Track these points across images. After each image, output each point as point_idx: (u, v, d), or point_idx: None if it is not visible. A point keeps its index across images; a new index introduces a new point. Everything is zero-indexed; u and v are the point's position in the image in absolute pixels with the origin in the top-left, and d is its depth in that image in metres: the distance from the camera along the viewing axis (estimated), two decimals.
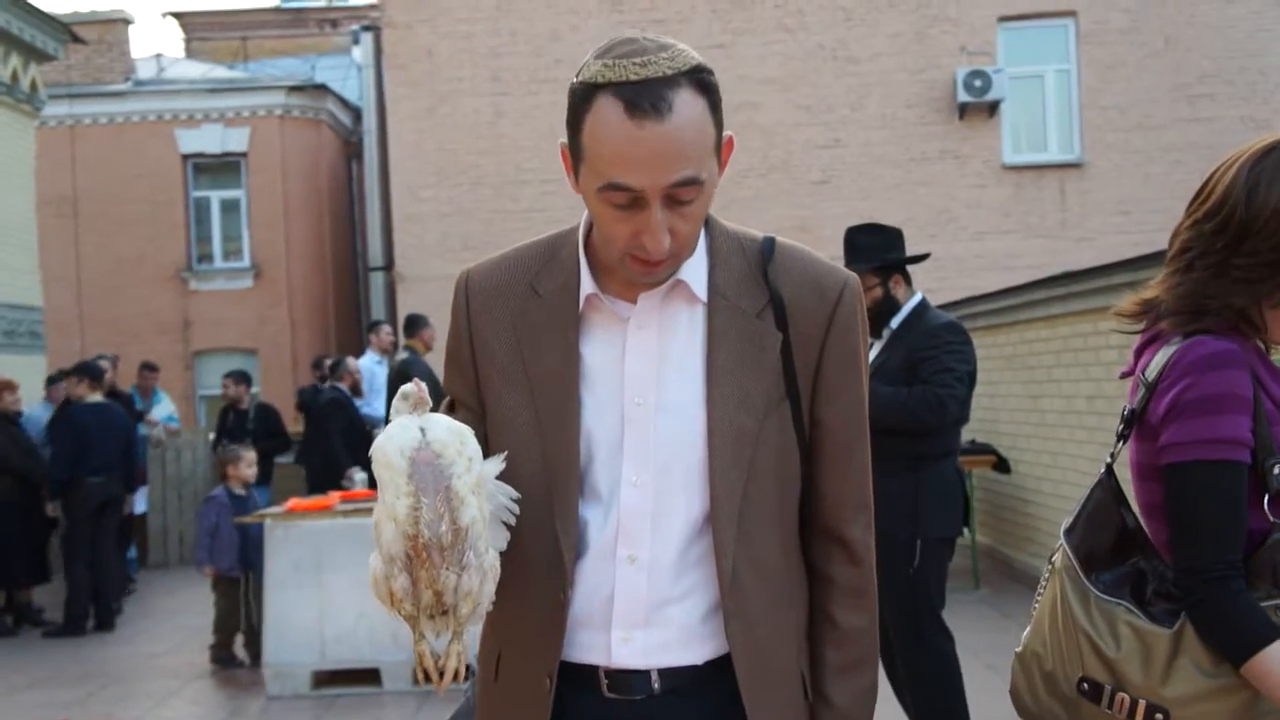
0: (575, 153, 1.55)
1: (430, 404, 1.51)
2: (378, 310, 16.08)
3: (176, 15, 23.07)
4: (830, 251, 1.78)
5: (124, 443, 9.09)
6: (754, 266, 1.65)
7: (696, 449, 1.60)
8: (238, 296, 16.92)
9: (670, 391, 1.61)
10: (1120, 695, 1.83)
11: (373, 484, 6.18)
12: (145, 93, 17.22)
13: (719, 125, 1.52)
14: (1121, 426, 1.97)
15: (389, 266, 15.37)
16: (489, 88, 14.53)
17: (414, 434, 1.45)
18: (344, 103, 18.20)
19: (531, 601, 1.63)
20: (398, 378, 8.32)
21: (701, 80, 1.49)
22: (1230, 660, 1.77)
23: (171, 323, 16.87)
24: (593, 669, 1.63)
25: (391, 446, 1.44)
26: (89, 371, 9.17)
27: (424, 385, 1.52)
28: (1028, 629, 2.01)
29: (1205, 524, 1.80)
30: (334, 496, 7.18)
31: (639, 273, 1.56)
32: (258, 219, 16.98)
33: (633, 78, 1.46)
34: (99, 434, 8.76)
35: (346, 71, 19.27)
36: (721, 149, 1.55)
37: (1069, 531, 1.97)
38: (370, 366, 10.81)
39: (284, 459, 11.34)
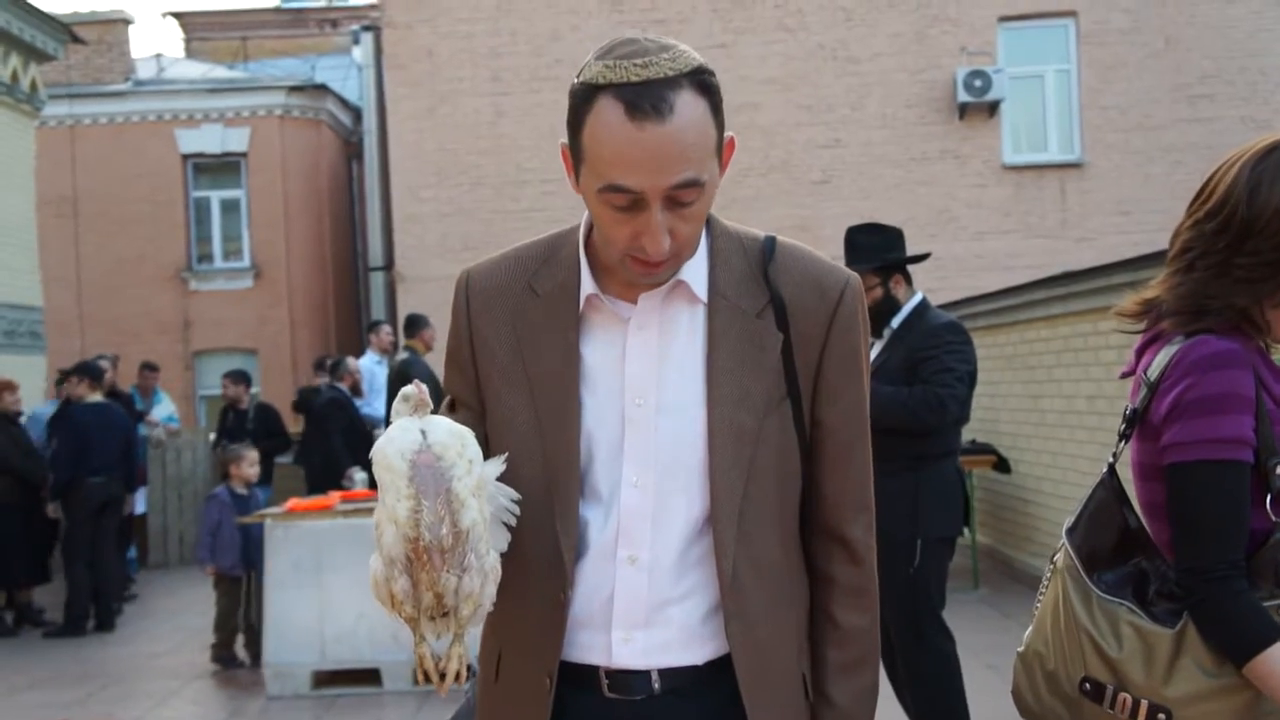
0: (576, 153, 1.54)
1: (431, 406, 1.51)
2: (378, 310, 16.08)
3: (176, 15, 23.09)
4: (830, 251, 1.78)
5: (124, 443, 9.09)
6: (755, 266, 1.65)
7: (697, 449, 1.60)
8: (238, 296, 16.92)
9: (671, 392, 1.61)
10: (1122, 695, 1.83)
11: (373, 484, 6.15)
12: (145, 93, 17.22)
13: (720, 126, 1.52)
14: (1123, 426, 1.97)
15: (389, 266, 15.37)
16: (489, 88, 14.53)
17: (415, 436, 1.45)
18: (344, 103, 18.21)
19: (532, 602, 1.62)
20: (398, 378, 8.32)
21: (703, 81, 1.49)
22: (1232, 660, 1.77)
23: (171, 323, 16.88)
24: (593, 669, 1.63)
25: (392, 449, 1.44)
26: (89, 371, 9.17)
27: (424, 387, 1.51)
28: (1030, 629, 2.01)
29: (1208, 524, 1.80)
30: (334, 496, 7.18)
31: (639, 274, 1.56)
32: (258, 219, 16.98)
33: (634, 79, 1.45)
34: (99, 434, 8.76)
35: (346, 71, 19.27)
36: (723, 150, 1.54)
37: (1071, 531, 1.97)
38: (370, 366, 10.81)
39: (284, 459, 11.34)
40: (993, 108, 14.19)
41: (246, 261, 17.11)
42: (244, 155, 17.01)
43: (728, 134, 1.55)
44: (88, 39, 15.06)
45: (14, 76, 11.95)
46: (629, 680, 1.62)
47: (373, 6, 18.29)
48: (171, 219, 16.95)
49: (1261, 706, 1.79)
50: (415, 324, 9.40)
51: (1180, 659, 1.80)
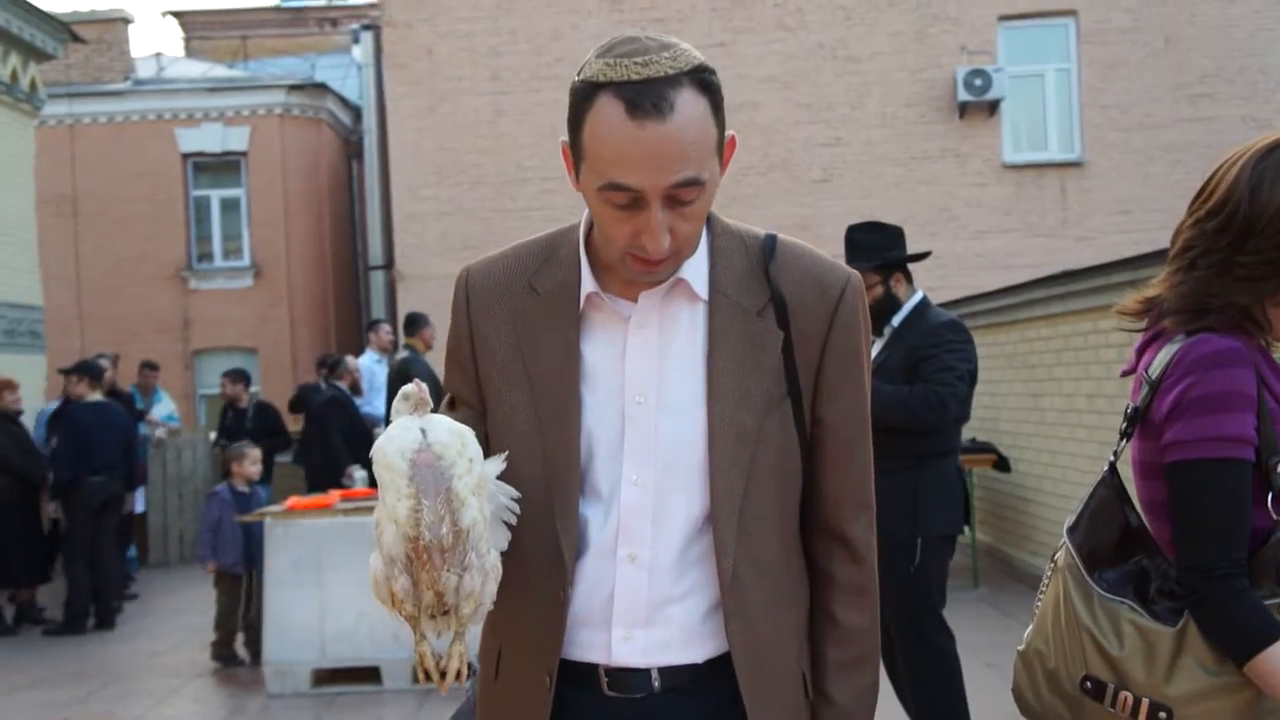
0: (576, 151, 1.54)
1: (431, 405, 1.51)
2: (378, 309, 16.07)
3: (176, 14, 23.08)
4: (831, 250, 1.77)
5: (124, 442, 9.09)
6: (755, 264, 1.65)
7: (697, 448, 1.60)
8: (238, 295, 16.92)
9: (671, 390, 1.61)
10: (1123, 694, 1.83)
11: (373, 483, 6.15)
12: (145, 92, 17.22)
13: (721, 125, 1.52)
14: (1124, 424, 1.97)
15: (389, 265, 15.37)
16: (489, 86, 14.53)
17: (415, 435, 1.44)
18: (344, 102, 18.20)
19: (532, 600, 1.62)
20: (397, 377, 8.32)
21: (703, 80, 1.49)
22: (1233, 659, 1.77)
23: (171, 322, 16.88)
24: (593, 667, 1.62)
25: (392, 448, 1.44)
26: (89, 370, 9.17)
27: (425, 386, 1.51)
28: (1030, 627, 2.01)
29: (1209, 522, 1.80)
30: (334, 495, 7.18)
31: (639, 272, 1.56)
32: (258, 218, 16.98)
33: (634, 77, 1.45)
34: (99, 433, 8.76)
35: (346, 70, 19.27)
36: (723, 149, 1.54)
37: (1072, 530, 1.97)
38: (370, 365, 10.81)
39: (283, 458, 11.34)
40: (993, 107, 14.19)
41: (246, 260, 17.10)
42: (244, 154, 17.01)
43: (728, 132, 1.54)
44: (87, 38, 15.05)
45: (13, 75, 11.95)
46: (629, 678, 1.62)
47: (372, 5, 18.28)
48: (171, 218, 16.94)
49: (1262, 705, 1.79)
50: (415, 323, 9.40)
51: (1181, 657, 1.80)
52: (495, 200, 14.42)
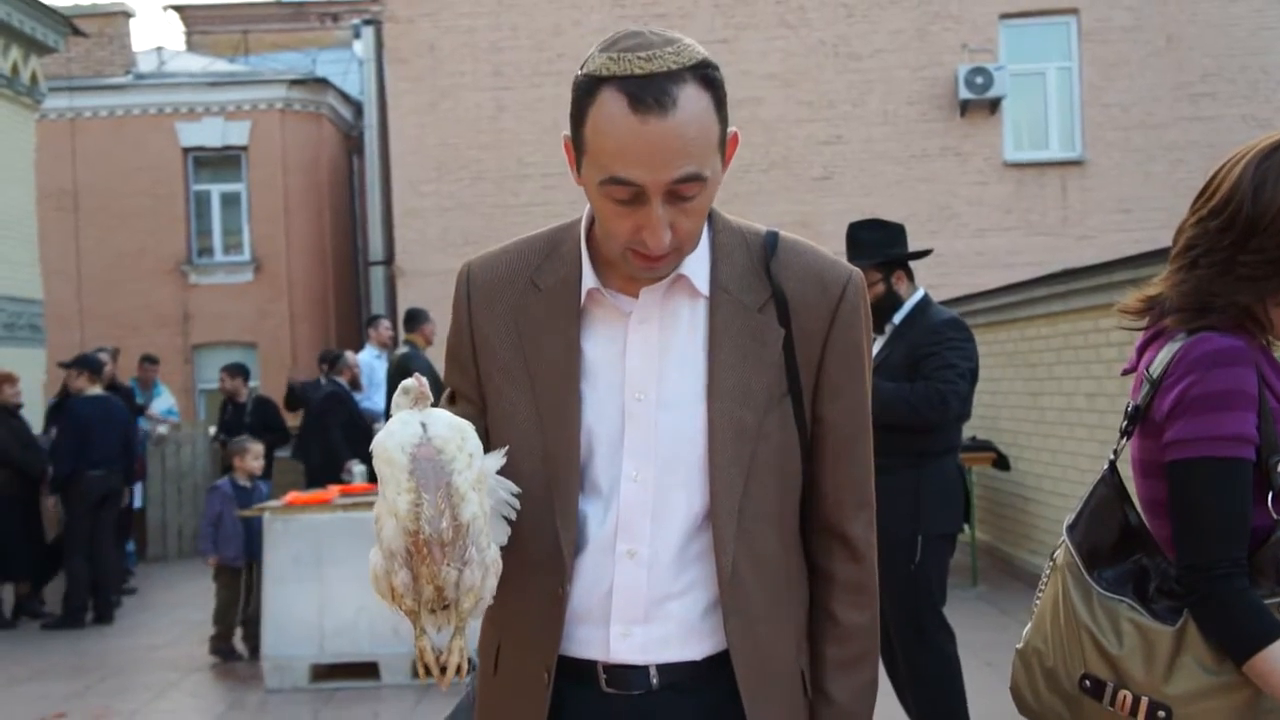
0: (578, 145, 1.54)
1: (431, 399, 1.50)
2: (378, 305, 16.07)
3: (177, 8, 23.06)
4: (831, 247, 1.77)
5: (124, 436, 9.09)
6: (757, 261, 1.64)
7: (697, 444, 1.59)
8: (238, 290, 16.92)
9: (671, 386, 1.61)
10: (1123, 693, 1.83)
11: (372, 478, 6.11)
12: (146, 86, 17.21)
13: (723, 121, 1.51)
14: (1125, 423, 1.96)
15: (389, 261, 15.37)
16: (490, 82, 14.52)
17: (415, 430, 1.44)
18: (345, 97, 18.19)
19: (531, 596, 1.62)
20: (397, 372, 8.32)
21: (706, 76, 1.48)
22: (1233, 658, 1.76)
23: (171, 316, 16.88)
24: (591, 664, 1.62)
25: (392, 442, 1.43)
26: (88, 364, 9.17)
27: (425, 380, 1.51)
28: (1029, 625, 2.01)
29: (1209, 521, 1.79)
30: (333, 490, 7.18)
31: (640, 268, 1.55)
32: (258, 213, 16.97)
33: (637, 72, 1.45)
34: (100, 427, 8.76)
35: (347, 65, 19.26)
36: (726, 145, 1.54)
37: (1071, 528, 1.97)
38: (369, 361, 10.81)
39: (283, 453, 11.34)
40: (994, 105, 14.19)
41: (246, 255, 17.10)
42: (244, 149, 17.01)
43: (731, 129, 1.54)
44: (88, 32, 15.05)
45: (14, 69, 11.94)
46: (627, 675, 1.61)
47: (374, 0, 18.28)
48: (172, 212, 16.94)
49: (1262, 704, 1.79)
50: (415, 319, 9.39)
51: (1181, 656, 1.80)
52: (496, 196, 14.42)
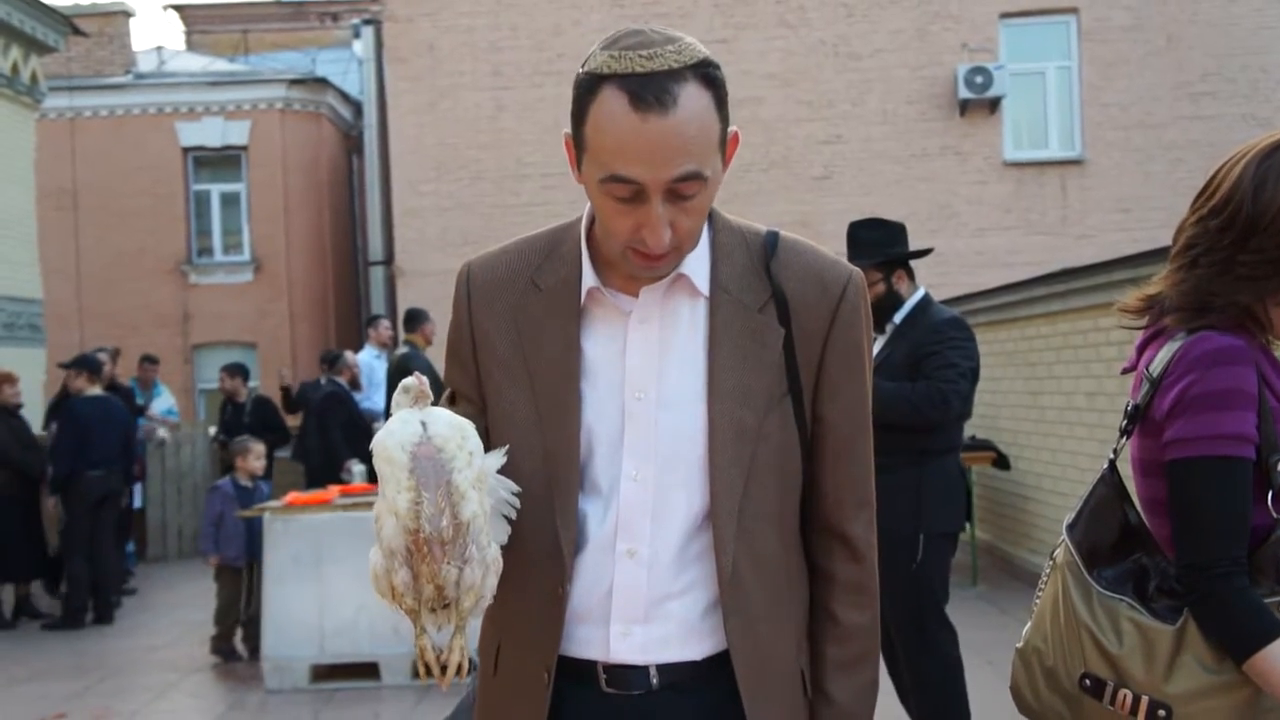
0: (579, 143, 1.53)
1: (431, 398, 1.51)
2: (377, 305, 16.07)
3: (177, 8, 23.06)
4: (831, 247, 1.77)
5: (124, 436, 9.09)
6: (757, 261, 1.64)
7: (697, 444, 1.59)
8: (237, 290, 16.92)
9: (671, 386, 1.61)
10: (1123, 692, 1.83)
11: (371, 477, 6.10)
12: (146, 85, 17.22)
13: (724, 120, 1.51)
14: (1125, 422, 1.96)
15: (389, 261, 15.37)
16: (490, 82, 14.52)
17: (415, 428, 1.44)
18: (345, 96, 18.19)
19: (530, 595, 1.62)
20: (397, 372, 8.32)
21: (707, 74, 1.48)
22: (1233, 657, 1.76)
23: (171, 316, 16.88)
24: (591, 664, 1.62)
25: (392, 441, 1.43)
26: (87, 365, 9.17)
27: (425, 379, 1.51)
28: (1029, 624, 2.01)
29: (1209, 520, 1.79)
30: (333, 490, 7.18)
31: (640, 267, 1.55)
32: (258, 212, 16.97)
33: (638, 70, 1.45)
34: (99, 427, 8.75)
35: (347, 65, 19.26)
36: (726, 144, 1.53)
37: (1071, 527, 1.97)
38: (369, 361, 10.81)
39: (283, 453, 11.33)
40: (994, 104, 14.19)
41: (246, 255, 17.11)
42: (244, 149, 17.01)
43: (731, 128, 1.54)
44: (88, 31, 15.05)
45: (14, 68, 11.94)
46: (627, 675, 1.61)
47: (373, 0, 18.28)
48: (171, 212, 16.94)
49: (1261, 703, 1.79)
50: (415, 318, 9.38)
51: (1181, 655, 1.80)
52: (496, 196, 14.42)
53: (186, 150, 17.03)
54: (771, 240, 1.66)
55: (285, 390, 11.55)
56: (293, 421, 11.46)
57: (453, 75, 14.53)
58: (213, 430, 12.18)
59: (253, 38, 21.23)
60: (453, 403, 1.72)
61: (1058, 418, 8.08)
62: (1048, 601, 1.97)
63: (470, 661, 1.55)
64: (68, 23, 12.79)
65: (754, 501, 1.60)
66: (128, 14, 18.09)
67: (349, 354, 10.84)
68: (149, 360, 12.12)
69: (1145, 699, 1.81)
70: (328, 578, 6.46)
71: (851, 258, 4.31)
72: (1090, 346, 7.42)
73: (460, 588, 1.45)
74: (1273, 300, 1.87)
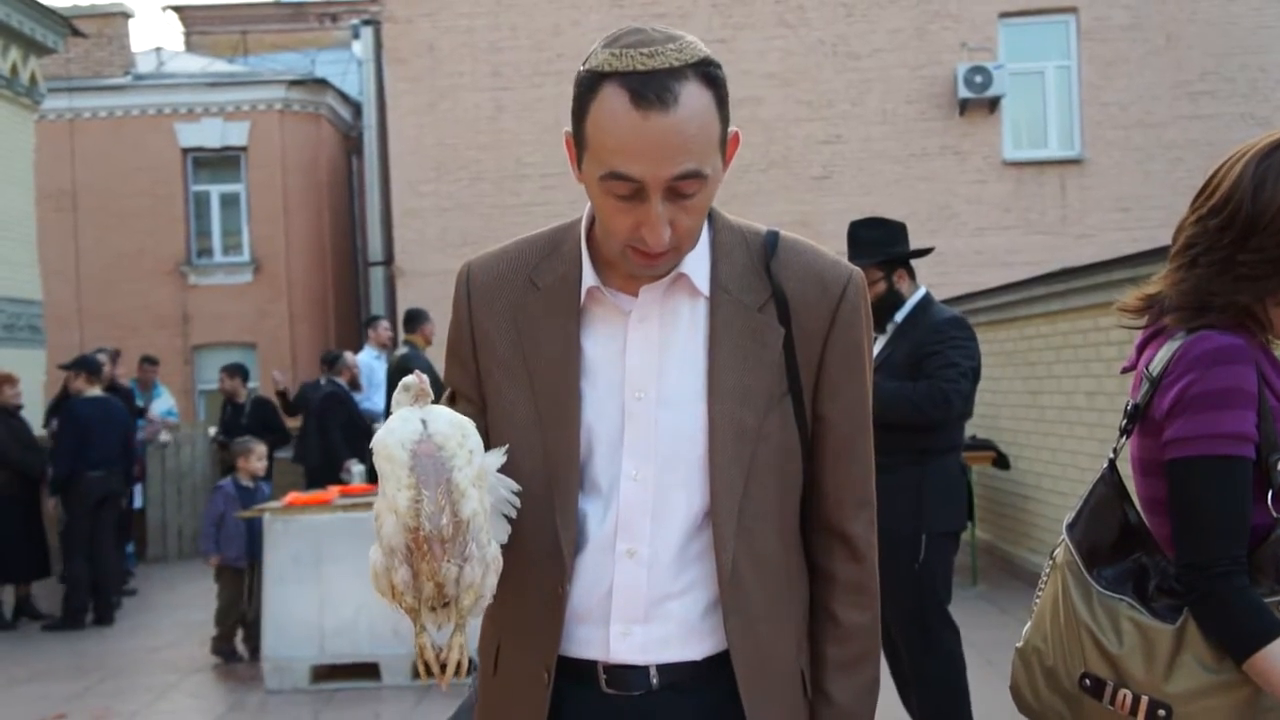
0: (579, 141, 1.53)
1: (431, 396, 1.51)
2: (377, 305, 16.07)
3: (176, 9, 23.05)
4: (831, 247, 1.77)
5: (123, 437, 9.09)
6: (757, 260, 1.64)
7: (697, 443, 1.59)
8: (237, 291, 16.91)
9: (671, 385, 1.61)
10: (1123, 691, 1.83)
11: (371, 477, 6.10)
12: (145, 86, 17.21)
13: (725, 120, 1.51)
14: (1124, 421, 1.96)
15: (389, 261, 15.36)
16: (489, 82, 14.52)
17: (415, 426, 1.44)
18: (344, 97, 18.19)
19: (530, 595, 1.62)
20: (397, 373, 8.32)
21: (708, 73, 1.48)
22: (1233, 656, 1.76)
23: (171, 317, 16.88)
24: (591, 664, 1.62)
25: (393, 439, 1.43)
26: (86, 366, 9.17)
27: (425, 378, 1.51)
28: (1028, 624, 2.01)
29: (1209, 519, 1.79)
30: (333, 491, 7.17)
31: (639, 265, 1.55)
32: (257, 213, 16.97)
33: (639, 68, 1.45)
34: (99, 428, 8.76)
35: (346, 66, 19.26)
36: (727, 144, 1.54)
37: (1071, 527, 1.97)
38: (369, 362, 10.81)
39: (283, 454, 11.33)
40: (993, 104, 14.19)
41: (246, 256, 17.10)
42: (244, 149, 17.00)
43: (732, 128, 1.54)
44: (87, 32, 15.04)
45: (13, 70, 11.94)
46: (627, 676, 1.61)
47: (373, 1, 18.28)
48: (171, 213, 16.94)
49: (1261, 703, 1.79)
50: (415, 319, 9.38)
51: (1181, 655, 1.80)
52: (495, 196, 14.42)
53: (186, 151, 17.03)
54: (772, 240, 1.66)
55: (282, 395, 11.55)
56: (292, 423, 11.45)
57: (452, 76, 14.53)
58: (213, 431, 12.18)
59: (252, 39, 21.22)
60: (453, 402, 1.72)
61: (1057, 417, 8.08)
62: (1047, 601, 1.97)
63: (470, 661, 1.55)
64: (67, 24, 12.78)
65: (754, 501, 1.60)
66: (127, 15, 18.07)
67: (349, 354, 10.84)
68: (149, 361, 12.11)
69: (1145, 699, 1.81)
70: (328, 578, 6.46)
71: (852, 257, 4.31)
72: (1090, 346, 7.42)
73: (460, 586, 1.45)
74: (1272, 299, 1.86)
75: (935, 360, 4.28)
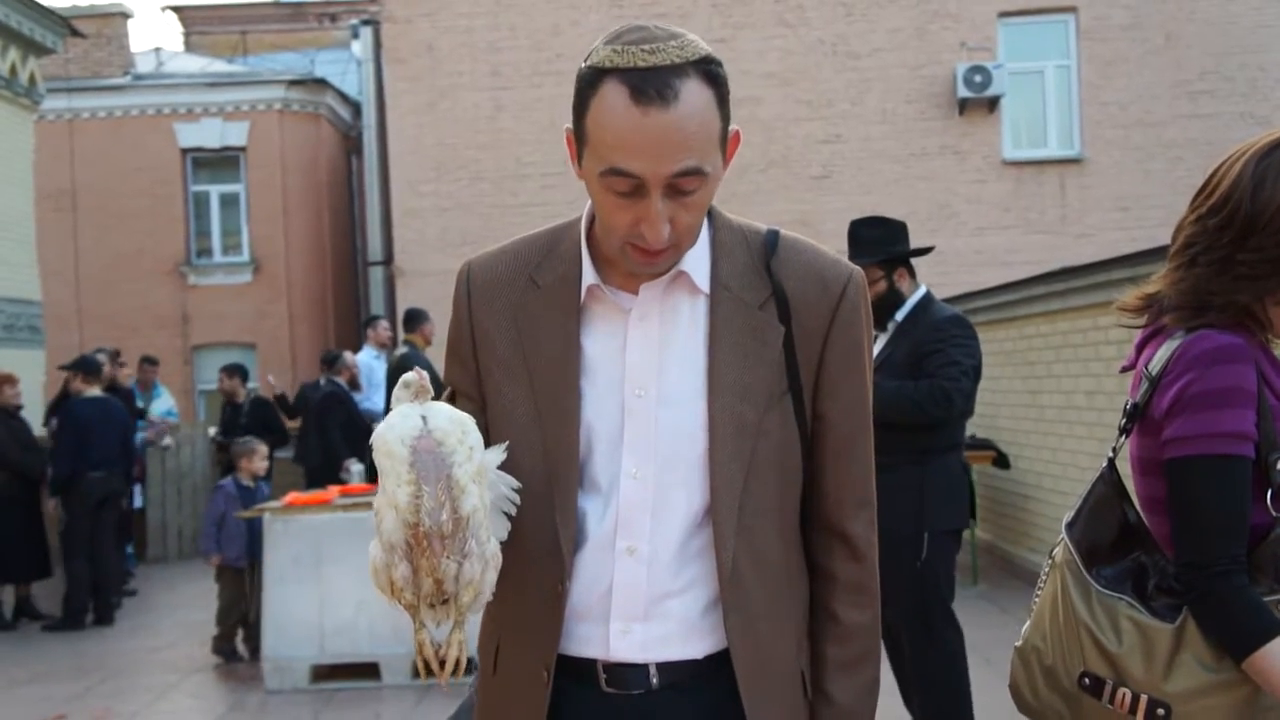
0: (580, 137, 1.54)
1: (431, 393, 1.51)
2: (377, 305, 16.06)
3: (176, 9, 23.05)
4: (831, 246, 1.77)
5: (123, 437, 9.09)
6: (757, 259, 1.64)
7: (697, 441, 1.59)
8: (237, 291, 16.91)
9: (671, 383, 1.61)
10: (1122, 690, 1.83)
11: (371, 477, 6.09)
12: (144, 87, 17.20)
13: (725, 117, 1.51)
14: (1124, 420, 1.96)
15: (388, 261, 15.36)
16: (489, 82, 14.52)
17: (415, 422, 1.44)
18: (343, 97, 18.19)
19: (530, 593, 1.62)
20: (396, 372, 8.31)
21: (709, 71, 1.49)
22: (1232, 655, 1.77)
23: (170, 317, 16.87)
24: (591, 662, 1.62)
25: (393, 435, 1.44)
26: (86, 366, 9.17)
27: (425, 374, 1.51)
28: (1028, 623, 2.01)
29: (1208, 518, 1.79)
30: (333, 491, 7.17)
31: (639, 263, 1.55)
32: (257, 213, 16.97)
33: (640, 64, 1.45)
34: (99, 428, 8.75)
35: (346, 66, 19.25)
36: (727, 142, 1.54)
37: (1070, 526, 1.97)
38: (368, 361, 10.80)
39: (283, 454, 11.32)
40: (993, 103, 14.19)
41: (245, 256, 17.10)
42: (243, 149, 17.00)
43: (732, 127, 1.54)
44: (87, 32, 15.03)
45: (13, 70, 11.94)
46: (626, 674, 1.61)
47: (372, 0, 18.27)
48: (170, 213, 16.94)
49: (1260, 702, 1.79)
50: (415, 319, 9.38)
51: (1180, 654, 1.80)
52: (495, 196, 14.41)
53: (185, 151, 17.03)
54: (772, 238, 1.66)
55: (279, 398, 11.55)
56: (292, 424, 11.45)
57: (452, 75, 14.53)
58: (212, 431, 12.18)
59: (251, 39, 21.22)
60: (453, 401, 1.71)
61: (1057, 416, 8.08)
62: (1047, 600, 1.97)
63: (470, 661, 1.55)
64: (66, 24, 12.78)
65: (754, 498, 1.59)
66: (126, 15, 18.07)
67: (348, 354, 10.84)
68: (148, 361, 12.11)
69: (1144, 697, 1.81)
70: (328, 578, 6.46)
71: (853, 256, 4.31)
72: (1089, 345, 7.42)
73: (459, 582, 1.45)
74: (1272, 299, 1.87)
75: (936, 359, 4.28)
